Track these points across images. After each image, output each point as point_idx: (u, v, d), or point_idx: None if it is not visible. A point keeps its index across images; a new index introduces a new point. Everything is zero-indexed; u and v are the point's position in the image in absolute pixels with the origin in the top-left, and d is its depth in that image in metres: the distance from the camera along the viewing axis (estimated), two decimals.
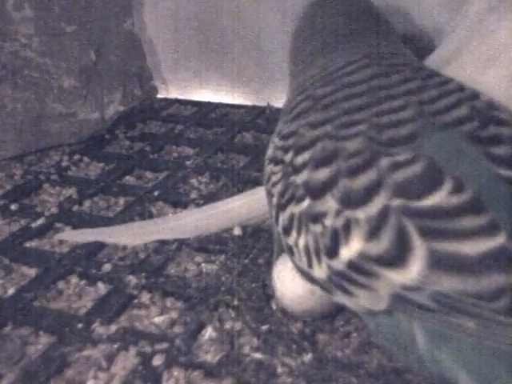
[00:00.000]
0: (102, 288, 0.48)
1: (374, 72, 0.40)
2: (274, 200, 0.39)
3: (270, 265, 0.48)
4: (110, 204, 0.61)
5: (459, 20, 0.47)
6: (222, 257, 0.51)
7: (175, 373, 0.39)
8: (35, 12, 0.69)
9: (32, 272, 0.50)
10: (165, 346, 0.41)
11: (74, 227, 0.56)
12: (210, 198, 0.59)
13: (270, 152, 0.42)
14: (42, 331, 0.43)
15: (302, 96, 0.42)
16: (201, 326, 0.43)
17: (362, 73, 0.40)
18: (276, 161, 0.40)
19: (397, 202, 0.31)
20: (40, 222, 0.57)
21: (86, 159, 0.71)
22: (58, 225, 0.57)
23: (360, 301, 0.33)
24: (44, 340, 0.43)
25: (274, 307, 0.44)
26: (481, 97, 0.38)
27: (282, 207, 0.38)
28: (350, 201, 0.33)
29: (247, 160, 0.69)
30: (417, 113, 0.35)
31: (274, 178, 0.39)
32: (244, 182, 0.63)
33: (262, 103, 0.85)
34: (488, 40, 0.43)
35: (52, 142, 0.72)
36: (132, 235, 0.54)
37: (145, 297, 0.46)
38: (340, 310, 0.43)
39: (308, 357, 0.40)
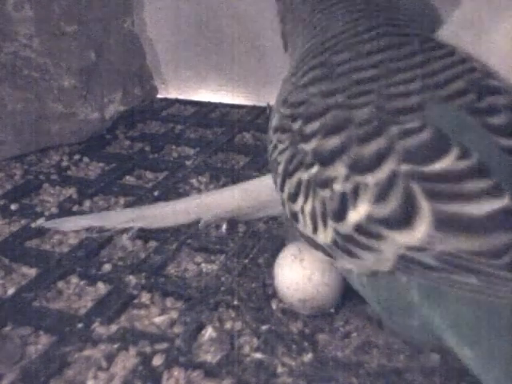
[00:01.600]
0: (101, 288, 0.48)
1: (388, 42, 0.40)
2: (281, 168, 0.40)
3: (270, 265, 0.48)
4: (109, 204, 0.61)
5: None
6: (222, 257, 0.51)
7: (175, 373, 0.39)
8: (35, 12, 0.69)
9: (32, 272, 0.50)
10: (165, 345, 0.41)
11: None
12: None
13: (275, 121, 0.42)
14: (42, 331, 0.43)
15: (315, 61, 0.42)
16: (201, 326, 0.43)
17: (378, 42, 0.41)
18: (283, 129, 0.40)
19: (405, 167, 0.32)
20: (40, 221, 0.57)
21: (85, 159, 0.71)
22: None
23: (365, 263, 0.34)
24: (44, 340, 0.43)
25: (274, 307, 0.44)
26: (478, 67, 0.39)
27: (288, 174, 0.38)
28: (360, 166, 0.34)
29: (247, 160, 0.69)
30: (422, 85, 0.36)
31: (281, 146, 0.40)
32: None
33: (261, 103, 0.85)
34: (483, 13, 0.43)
35: (52, 142, 0.72)
36: (117, 221, 0.55)
37: (145, 297, 0.46)
38: (339, 305, 0.43)
39: (308, 357, 0.40)
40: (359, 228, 0.33)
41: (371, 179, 0.33)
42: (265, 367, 0.39)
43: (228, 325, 0.43)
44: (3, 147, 0.69)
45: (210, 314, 0.44)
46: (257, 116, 0.83)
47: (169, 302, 0.46)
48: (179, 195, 0.61)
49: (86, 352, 0.41)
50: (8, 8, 0.68)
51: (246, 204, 0.54)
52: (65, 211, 0.59)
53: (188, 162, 0.69)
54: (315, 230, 0.37)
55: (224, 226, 0.54)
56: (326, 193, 0.35)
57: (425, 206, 0.31)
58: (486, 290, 0.30)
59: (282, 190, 0.40)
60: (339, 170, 0.34)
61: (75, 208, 0.60)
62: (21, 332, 0.43)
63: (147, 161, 0.71)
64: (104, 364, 0.40)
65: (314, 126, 0.37)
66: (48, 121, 0.71)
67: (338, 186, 0.34)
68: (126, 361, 0.40)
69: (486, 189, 0.31)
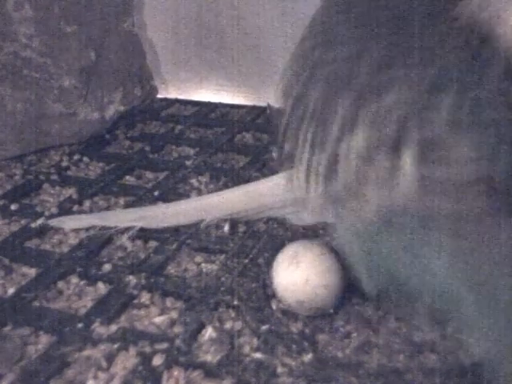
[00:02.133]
0: (101, 288, 0.48)
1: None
2: (285, 118, 0.40)
3: (270, 265, 0.48)
4: (109, 204, 0.61)
5: None
6: (222, 257, 0.51)
7: (175, 373, 0.39)
8: (35, 12, 0.69)
9: (32, 272, 0.50)
10: (165, 345, 0.41)
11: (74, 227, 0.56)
12: None
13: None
14: (42, 331, 0.43)
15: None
16: (201, 326, 0.43)
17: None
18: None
19: (404, 121, 0.33)
20: (40, 221, 0.57)
21: (85, 159, 0.71)
22: None
23: (352, 213, 0.35)
24: (44, 340, 0.43)
25: (274, 307, 0.44)
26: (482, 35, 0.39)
27: (291, 127, 0.39)
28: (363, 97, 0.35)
29: (247, 160, 0.69)
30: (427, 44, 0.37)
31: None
32: (244, 182, 0.63)
33: (262, 103, 0.85)
34: None
35: (52, 141, 0.72)
36: (120, 220, 0.55)
37: (145, 297, 0.46)
38: (338, 305, 0.43)
39: (308, 357, 0.40)
40: (351, 178, 0.35)
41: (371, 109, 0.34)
42: (265, 367, 0.39)
43: (228, 325, 0.43)
44: (3, 147, 0.69)
45: (210, 314, 0.44)
46: (257, 116, 0.83)
47: (169, 302, 0.46)
48: (179, 195, 0.61)
49: (86, 352, 0.41)
50: (8, 8, 0.68)
51: (248, 206, 0.54)
52: (65, 211, 0.59)
53: (188, 162, 0.69)
54: (307, 182, 0.38)
55: (226, 227, 0.54)
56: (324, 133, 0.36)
57: (413, 167, 0.32)
58: (463, 249, 0.31)
59: (284, 139, 0.41)
60: (334, 128, 0.35)
61: (75, 208, 0.60)
62: (21, 332, 0.43)
63: (147, 161, 0.71)
64: (104, 364, 0.40)
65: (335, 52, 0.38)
66: (48, 121, 0.71)
67: (335, 128, 0.35)
68: (126, 361, 0.40)
69: (471, 156, 0.32)
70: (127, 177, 0.67)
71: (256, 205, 0.54)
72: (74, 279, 0.49)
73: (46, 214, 0.58)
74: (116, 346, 0.41)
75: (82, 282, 0.49)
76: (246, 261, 0.50)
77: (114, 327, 0.43)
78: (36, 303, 0.46)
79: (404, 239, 0.34)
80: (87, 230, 0.55)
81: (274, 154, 0.67)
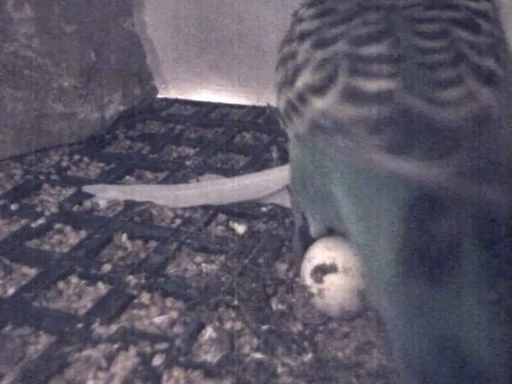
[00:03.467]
0: (101, 288, 0.48)
1: None
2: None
3: (270, 265, 0.48)
4: (110, 204, 0.61)
5: None
6: (222, 257, 0.51)
7: (175, 373, 0.39)
8: (35, 12, 0.69)
9: (32, 272, 0.50)
10: (165, 345, 0.41)
11: (74, 227, 0.56)
12: None
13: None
14: (42, 331, 0.43)
15: None
16: (201, 326, 0.43)
17: None
18: (295, 17, 0.45)
19: (347, 47, 0.37)
20: (40, 221, 0.57)
21: (85, 159, 0.71)
22: (58, 225, 0.57)
23: (294, 127, 0.40)
24: (44, 340, 0.43)
25: (274, 307, 0.44)
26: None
27: (280, 48, 0.44)
28: (319, 44, 0.39)
29: (247, 160, 0.69)
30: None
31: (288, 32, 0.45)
32: None
33: (261, 103, 0.85)
34: None
35: (52, 141, 0.72)
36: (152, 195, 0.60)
37: (145, 297, 0.46)
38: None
39: (308, 357, 0.40)
40: (298, 94, 0.39)
41: (320, 54, 0.38)
42: (265, 367, 0.39)
43: (228, 325, 0.43)
44: (3, 147, 0.69)
45: (210, 314, 0.44)
46: (257, 116, 0.83)
47: (169, 302, 0.46)
48: None
49: (86, 352, 0.41)
50: (8, 8, 0.68)
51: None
52: (65, 211, 0.59)
53: (188, 162, 0.69)
54: (279, 98, 0.42)
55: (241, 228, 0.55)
56: (290, 63, 0.41)
57: (342, 79, 0.36)
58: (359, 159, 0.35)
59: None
60: (305, 44, 0.40)
61: (75, 208, 0.60)
62: (21, 332, 0.43)
63: (147, 161, 0.71)
64: (104, 364, 0.40)
65: (310, 11, 0.42)
66: (48, 121, 0.71)
67: (299, 58, 0.40)
68: (126, 361, 0.40)
69: (388, 71, 0.35)
70: (127, 177, 0.67)
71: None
72: (74, 279, 0.49)
73: (46, 213, 0.58)
74: (116, 346, 0.41)
75: (82, 282, 0.49)
76: (246, 261, 0.50)
77: (114, 327, 0.43)
78: (36, 303, 0.46)
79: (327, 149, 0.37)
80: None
81: (274, 154, 0.67)
